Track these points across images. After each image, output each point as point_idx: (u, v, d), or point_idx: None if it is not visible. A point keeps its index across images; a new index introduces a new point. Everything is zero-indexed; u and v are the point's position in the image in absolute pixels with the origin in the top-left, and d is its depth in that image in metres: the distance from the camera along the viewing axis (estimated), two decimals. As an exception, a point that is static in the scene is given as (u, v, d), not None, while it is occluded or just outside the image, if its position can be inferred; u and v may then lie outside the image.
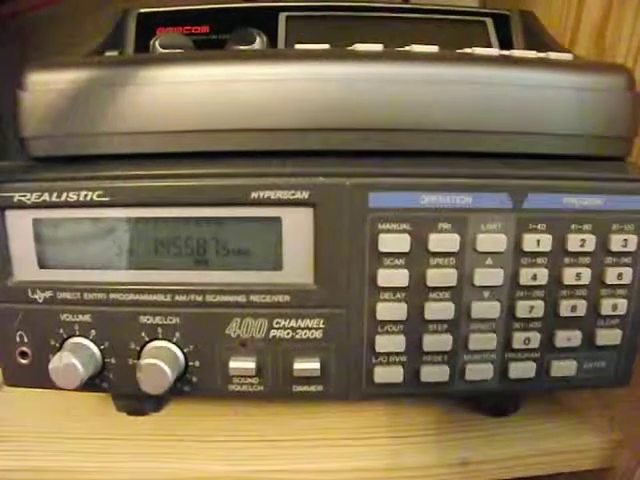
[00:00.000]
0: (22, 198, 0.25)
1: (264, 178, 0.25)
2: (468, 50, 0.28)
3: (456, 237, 0.25)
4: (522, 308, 0.26)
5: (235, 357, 0.27)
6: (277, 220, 0.25)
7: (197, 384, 0.27)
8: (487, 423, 0.31)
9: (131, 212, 0.26)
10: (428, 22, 0.38)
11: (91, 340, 0.27)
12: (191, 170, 0.25)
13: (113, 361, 0.27)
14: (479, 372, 0.27)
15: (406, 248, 0.25)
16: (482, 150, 0.26)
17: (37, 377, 0.27)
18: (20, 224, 0.26)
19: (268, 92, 0.25)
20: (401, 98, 0.26)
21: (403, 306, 0.26)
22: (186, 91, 0.25)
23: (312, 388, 0.27)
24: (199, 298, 0.26)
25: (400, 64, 0.26)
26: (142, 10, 0.37)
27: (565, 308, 0.27)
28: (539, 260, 0.26)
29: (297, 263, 0.26)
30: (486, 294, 0.26)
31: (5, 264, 0.26)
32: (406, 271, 0.26)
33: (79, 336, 0.27)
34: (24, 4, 0.51)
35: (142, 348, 0.27)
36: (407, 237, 0.25)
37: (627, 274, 0.26)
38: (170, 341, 0.27)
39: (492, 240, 0.26)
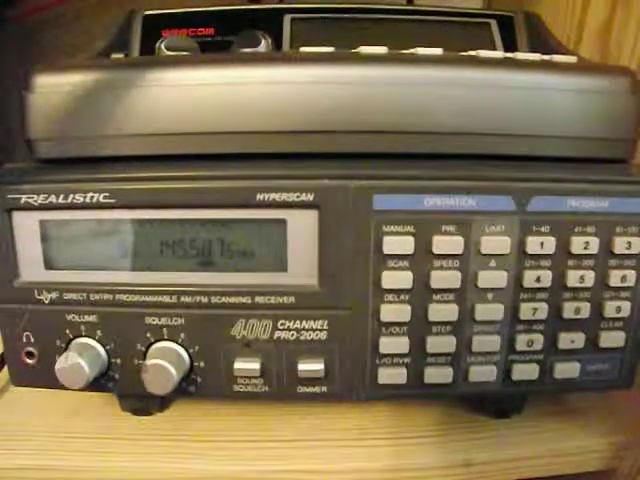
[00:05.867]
0: (29, 200, 0.25)
1: (269, 180, 0.25)
2: (472, 52, 0.28)
3: (460, 239, 0.25)
4: (526, 310, 0.27)
5: (240, 358, 0.27)
6: (282, 222, 0.26)
7: (202, 385, 0.28)
8: (490, 424, 0.31)
9: (137, 214, 0.26)
10: (432, 24, 0.38)
11: (97, 340, 0.27)
12: (197, 172, 0.25)
13: (119, 361, 0.27)
14: (482, 374, 0.27)
15: (410, 250, 0.25)
16: (486, 152, 0.27)
17: (43, 377, 0.27)
18: (27, 225, 0.26)
19: (273, 95, 0.25)
20: (405, 100, 0.26)
21: (407, 308, 0.26)
22: (192, 94, 0.25)
23: (316, 389, 0.28)
24: (204, 299, 0.26)
25: (404, 67, 0.26)
26: (147, 12, 0.37)
27: (568, 310, 0.27)
28: (543, 262, 0.26)
29: (302, 265, 0.26)
30: (490, 296, 0.26)
31: (12, 265, 0.26)
32: (410, 273, 0.26)
33: (85, 336, 0.27)
34: (30, 6, 0.51)
35: (147, 349, 0.27)
36: (411, 239, 0.25)
37: (631, 276, 0.26)
38: (175, 342, 0.27)
39: (496, 242, 0.26)
